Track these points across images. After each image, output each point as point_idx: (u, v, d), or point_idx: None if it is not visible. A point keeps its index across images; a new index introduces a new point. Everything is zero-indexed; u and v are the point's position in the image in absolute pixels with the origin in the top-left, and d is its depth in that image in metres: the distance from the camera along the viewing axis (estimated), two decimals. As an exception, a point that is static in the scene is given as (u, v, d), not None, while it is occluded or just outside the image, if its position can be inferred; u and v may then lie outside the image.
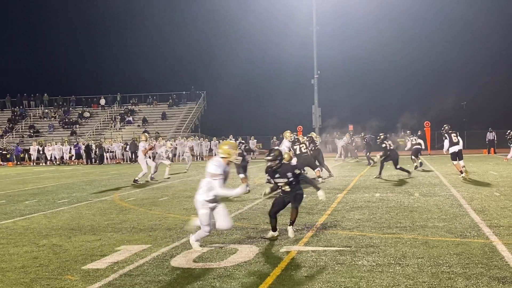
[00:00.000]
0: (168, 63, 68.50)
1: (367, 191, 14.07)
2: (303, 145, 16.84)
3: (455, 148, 17.19)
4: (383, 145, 17.72)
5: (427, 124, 38.40)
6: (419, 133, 26.32)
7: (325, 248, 7.32)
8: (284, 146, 16.63)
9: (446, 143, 17.46)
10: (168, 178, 19.99)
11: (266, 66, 62.80)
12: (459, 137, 17.52)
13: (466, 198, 12.08)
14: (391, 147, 18.04)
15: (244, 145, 16.02)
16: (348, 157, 31.93)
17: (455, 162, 17.16)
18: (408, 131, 25.10)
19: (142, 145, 19.08)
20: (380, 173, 17.87)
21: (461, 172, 16.68)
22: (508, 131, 21.03)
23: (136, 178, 18.56)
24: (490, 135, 36.97)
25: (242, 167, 14.12)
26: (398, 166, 17.77)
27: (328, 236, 8.15)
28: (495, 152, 35.67)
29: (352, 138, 31.36)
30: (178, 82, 60.15)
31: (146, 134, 20.73)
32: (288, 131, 17.60)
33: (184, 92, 54.35)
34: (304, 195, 13.26)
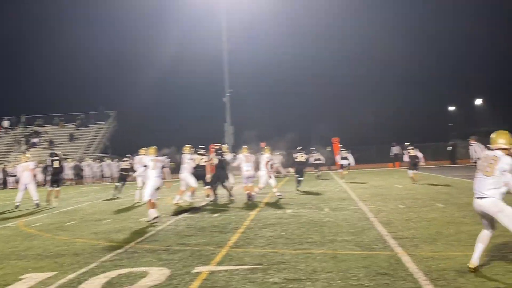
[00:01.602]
0: (75, 82, 66.72)
1: (279, 208, 14.24)
2: (204, 157, 16.99)
3: (344, 161, 25.05)
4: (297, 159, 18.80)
5: (335, 140, 39.45)
6: (312, 149, 28.56)
7: (237, 267, 7.31)
8: (186, 159, 16.89)
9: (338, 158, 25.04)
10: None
11: (178, 84, 62.48)
12: (348, 154, 24.98)
13: (373, 211, 12.50)
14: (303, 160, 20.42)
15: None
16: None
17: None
18: (313, 149, 26.80)
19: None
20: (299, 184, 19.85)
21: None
22: (406, 143, 22.59)
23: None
24: (395, 149, 38.55)
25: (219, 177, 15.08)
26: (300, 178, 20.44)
27: (241, 255, 8.16)
28: (400, 166, 37.15)
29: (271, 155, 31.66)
30: (86, 102, 58.59)
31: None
32: (188, 145, 17.55)
33: (92, 112, 52.98)
34: (217, 214, 13.36)
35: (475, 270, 6.43)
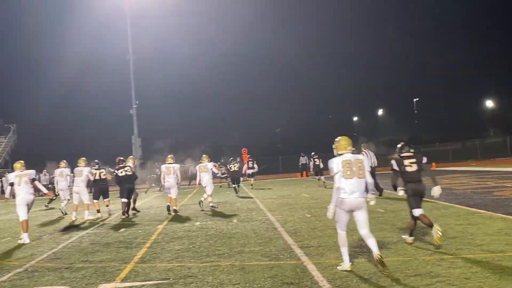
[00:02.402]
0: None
1: (187, 221, 14.12)
2: (103, 171, 16.76)
3: (250, 171, 27.70)
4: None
5: (244, 151, 39.80)
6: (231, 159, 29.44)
7: (143, 283, 7.16)
8: (85, 172, 16.45)
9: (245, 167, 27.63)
10: None
11: (84, 96, 60.87)
12: (254, 164, 27.85)
13: (280, 221, 12.65)
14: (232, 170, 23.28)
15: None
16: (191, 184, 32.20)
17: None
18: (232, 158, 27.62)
19: None
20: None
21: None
22: (312, 153, 23.76)
23: None
24: (303, 160, 39.34)
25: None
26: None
27: (147, 270, 7.99)
28: (307, 176, 37.93)
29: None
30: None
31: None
32: (83, 158, 17.01)
33: (-10, 126, 50.34)
34: (123, 229, 13.04)
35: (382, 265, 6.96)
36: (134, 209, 16.89)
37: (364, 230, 7.17)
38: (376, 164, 17.74)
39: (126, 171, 15.82)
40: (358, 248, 8.60)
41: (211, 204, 17.07)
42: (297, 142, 49.04)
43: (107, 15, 42.08)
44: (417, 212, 8.54)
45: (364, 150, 17.11)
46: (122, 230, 13.00)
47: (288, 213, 14.37)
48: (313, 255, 8.28)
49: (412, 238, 8.79)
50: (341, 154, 7.37)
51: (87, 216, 15.90)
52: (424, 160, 8.78)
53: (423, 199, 8.68)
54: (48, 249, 10.68)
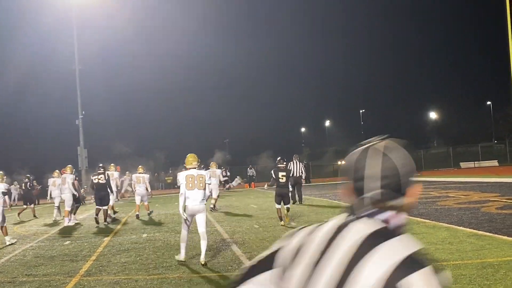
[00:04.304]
0: None
1: (134, 232, 13.94)
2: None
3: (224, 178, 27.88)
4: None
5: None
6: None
7: (89, 297, 7.03)
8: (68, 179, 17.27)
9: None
10: None
11: (27, 107, 59.47)
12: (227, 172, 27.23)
13: (229, 232, 12.65)
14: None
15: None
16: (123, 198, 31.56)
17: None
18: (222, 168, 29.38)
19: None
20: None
21: None
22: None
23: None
24: (250, 171, 39.55)
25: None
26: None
27: (92, 283, 7.85)
28: (255, 186, 38.07)
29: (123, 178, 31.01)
30: None
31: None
32: (69, 166, 18.08)
33: None
34: (68, 241, 12.78)
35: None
36: (109, 216, 17.26)
37: (201, 229, 9.08)
38: (301, 174, 19.51)
39: (99, 179, 16.33)
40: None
41: (211, 206, 18.49)
42: (245, 153, 49.20)
43: (53, 24, 41.41)
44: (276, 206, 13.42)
45: (294, 160, 18.80)
46: (67, 242, 12.73)
47: (237, 224, 14.39)
48: (261, 266, 8.30)
49: (283, 222, 13.15)
50: (189, 169, 9.16)
51: (67, 222, 16.53)
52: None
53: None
54: (-11, 263, 10.35)
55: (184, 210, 8.95)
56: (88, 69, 43.99)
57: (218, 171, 19.25)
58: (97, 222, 15.94)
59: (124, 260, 9.67)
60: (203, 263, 8.56)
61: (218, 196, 19.30)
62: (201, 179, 9.00)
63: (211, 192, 17.89)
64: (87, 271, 8.91)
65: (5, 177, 13.76)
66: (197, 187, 8.91)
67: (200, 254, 8.88)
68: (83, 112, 39.32)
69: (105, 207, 16.46)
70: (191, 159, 9.28)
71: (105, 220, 16.32)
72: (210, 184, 17.75)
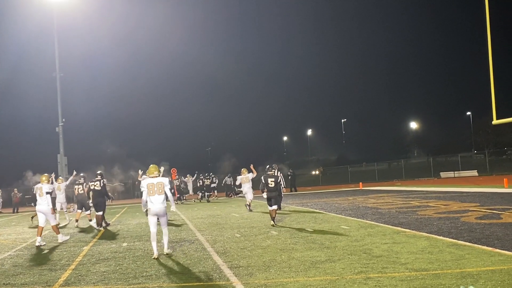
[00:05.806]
0: None
1: (114, 241, 13.81)
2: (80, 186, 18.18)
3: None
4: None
5: (173, 171, 39.42)
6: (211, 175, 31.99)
7: (67, 307, 6.93)
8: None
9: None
10: None
11: (9, 113, 58.86)
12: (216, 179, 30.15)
13: (210, 241, 12.59)
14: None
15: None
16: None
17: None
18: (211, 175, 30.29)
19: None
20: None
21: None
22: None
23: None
24: (228, 180, 39.50)
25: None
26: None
27: (71, 293, 7.75)
28: (236, 195, 37.97)
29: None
30: None
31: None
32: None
33: None
34: (47, 250, 12.62)
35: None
36: (104, 221, 17.86)
37: (164, 229, 10.97)
38: (282, 183, 19.79)
39: (95, 185, 17.16)
40: (287, 268, 8.66)
41: (247, 203, 21.71)
42: (227, 161, 49.12)
43: (34, 31, 41.07)
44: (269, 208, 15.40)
45: (274, 169, 19.40)
46: (46, 251, 12.58)
47: (218, 233, 14.32)
48: (242, 275, 8.27)
49: (273, 223, 15.02)
50: (151, 177, 10.74)
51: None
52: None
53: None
54: (-35, 272, 10.17)
55: (147, 212, 10.92)
56: (69, 75, 43.65)
57: (250, 175, 21.26)
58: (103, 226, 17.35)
59: (104, 270, 9.57)
60: (165, 253, 10.79)
61: (251, 199, 21.85)
62: (160, 186, 10.58)
63: (245, 194, 21.95)
64: (65, 280, 8.80)
65: None
66: (157, 193, 10.57)
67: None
68: (63, 120, 39.03)
69: (100, 213, 17.21)
70: (152, 169, 10.93)
71: (100, 225, 17.21)
72: (242, 188, 22.31)
